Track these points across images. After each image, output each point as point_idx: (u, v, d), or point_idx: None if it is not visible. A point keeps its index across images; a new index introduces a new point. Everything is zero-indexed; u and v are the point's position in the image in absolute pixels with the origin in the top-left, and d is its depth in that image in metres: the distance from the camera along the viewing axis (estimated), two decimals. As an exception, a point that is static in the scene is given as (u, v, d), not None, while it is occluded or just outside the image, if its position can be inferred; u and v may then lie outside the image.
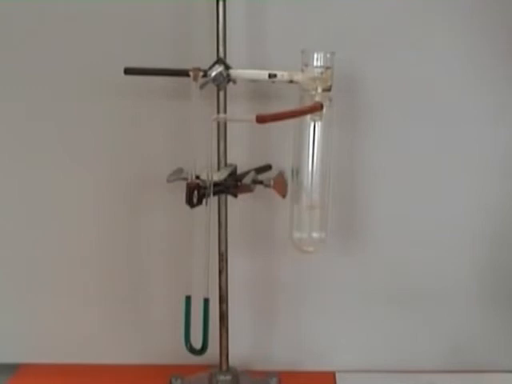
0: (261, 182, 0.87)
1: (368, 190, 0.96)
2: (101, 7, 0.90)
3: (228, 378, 0.94)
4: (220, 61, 0.82)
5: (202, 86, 0.81)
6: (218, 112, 0.86)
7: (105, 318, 1.03)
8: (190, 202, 0.79)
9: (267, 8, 0.90)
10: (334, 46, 0.79)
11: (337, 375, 1.02)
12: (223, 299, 0.92)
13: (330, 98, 0.80)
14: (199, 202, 0.80)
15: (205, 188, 0.80)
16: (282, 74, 0.80)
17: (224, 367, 0.95)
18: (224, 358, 0.94)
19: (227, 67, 0.82)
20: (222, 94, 0.85)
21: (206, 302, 0.84)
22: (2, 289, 1.02)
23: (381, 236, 0.97)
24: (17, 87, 0.94)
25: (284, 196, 0.88)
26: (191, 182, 0.80)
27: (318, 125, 0.80)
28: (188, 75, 0.80)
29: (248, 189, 0.86)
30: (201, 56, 0.85)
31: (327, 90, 0.79)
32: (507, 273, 0.98)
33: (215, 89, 0.84)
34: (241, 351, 1.00)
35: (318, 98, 0.79)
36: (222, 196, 0.88)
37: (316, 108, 0.78)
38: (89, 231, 0.99)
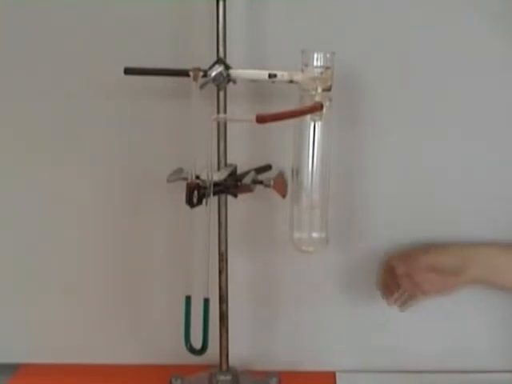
0: (261, 182, 0.87)
1: (368, 189, 0.96)
2: (101, 7, 0.90)
3: (228, 377, 0.94)
4: (220, 61, 0.82)
5: (202, 86, 0.81)
6: (218, 112, 0.86)
7: (105, 318, 1.03)
8: (190, 202, 0.79)
9: (267, 8, 0.90)
10: (334, 46, 0.79)
11: (337, 375, 1.02)
12: (223, 299, 0.92)
13: (330, 97, 0.80)
14: (199, 201, 0.80)
15: (205, 188, 0.80)
16: (282, 74, 0.80)
17: (224, 367, 0.95)
18: (224, 358, 0.94)
19: (227, 67, 0.82)
20: (221, 93, 0.85)
21: (206, 302, 0.84)
22: (2, 289, 1.02)
23: (381, 236, 0.97)
24: (16, 87, 0.94)
25: (284, 196, 0.88)
26: (191, 182, 0.80)
27: (318, 125, 0.80)
28: (188, 75, 0.80)
29: (248, 189, 0.86)
30: (201, 56, 0.85)
31: (327, 89, 0.79)
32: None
33: (215, 89, 0.84)
34: (241, 351, 1.00)
35: (318, 98, 0.78)
36: (222, 196, 0.88)
37: (316, 108, 0.78)
38: (88, 231, 0.99)
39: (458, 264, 0.88)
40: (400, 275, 0.90)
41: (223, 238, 0.90)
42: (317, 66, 0.78)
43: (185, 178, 0.82)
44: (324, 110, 0.78)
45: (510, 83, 0.91)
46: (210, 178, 0.80)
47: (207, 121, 0.79)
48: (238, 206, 0.91)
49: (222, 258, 0.90)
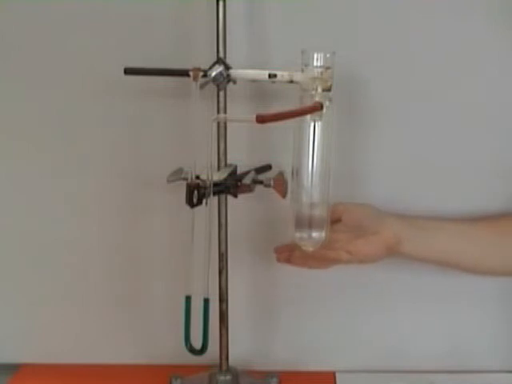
0: (261, 182, 0.87)
1: (368, 190, 0.96)
2: (101, 7, 0.90)
3: (228, 377, 0.94)
4: (220, 61, 0.82)
5: (202, 86, 0.81)
6: (218, 112, 0.86)
7: (105, 318, 1.03)
8: (190, 202, 0.79)
9: (267, 8, 0.90)
10: (334, 46, 0.79)
11: (337, 375, 1.02)
12: (223, 299, 0.92)
13: (330, 97, 0.79)
14: (199, 202, 0.80)
15: (205, 188, 0.80)
16: (282, 74, 0.80)
17: (224, 367, 0.95)
18: (224, 357, 0.94)
19: (227, 67, 0.82)
20: (222, 93, 0.85)
21: (206, 302, 0.84)
22: (2, 289, 1.02)
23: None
24: (16, 87, 0.94)
25: (284, 196, 0.88)
26: (191, 182, 0.80)
27: (318, 125, 0.80)
28: (188, 75, 0.80)
29: (248, 189, 0.86)
30: (201, 56, 0.85)
31: (327, 89, 0.79)
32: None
33: (215, 89, 0.84)
34: (241, 351, 1.00)
35: (318, 98, 0.78)
36: (222, 196, 0.88)
37: (316, 108, 0.77)
38: (88, 232, 0.99)
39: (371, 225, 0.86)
40: None
41: (223, 238, 0.90)
42: (317, 66, 0.78)
43: (185, 178, 0.82)
44: (324, 109, 0.78)
45: (509, 82, 0.91)
46: (210, 178, 0.80)
47: (207, 121, 0.79)
48: (238, 206, 0.91)
49: (222, 258, 0.90)
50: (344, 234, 0.86)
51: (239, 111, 0.90)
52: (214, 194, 0.82)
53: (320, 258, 0.85)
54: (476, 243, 0.89)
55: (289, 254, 0.87)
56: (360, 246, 0.84)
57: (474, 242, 0.89)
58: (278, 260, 0.89)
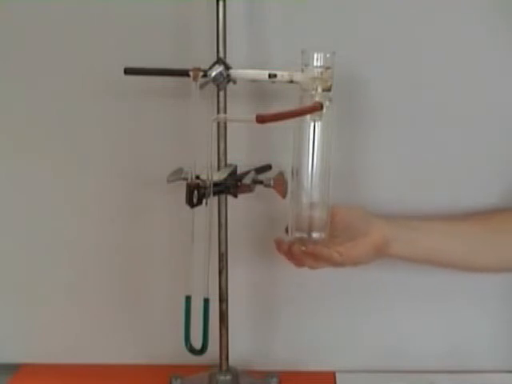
0: (261, 182, 0.87)
1: (368, 190, 0.96)
2: (101, 7, 0.90)
3: (228, 377, 0.94)
4: (220, 61, 0.82)
5: (202, 86, 0.81)
6: (218, 112, 0.86)
7: (105, 318, 1.03)
8: (190, 202, 0.79)
9: (267, 8, 0.90)
10: (334, 46, 0.79)
11: (337, 375, 1.02)
12: (223, 299, 0.92)
13: (330, 97, 0.79)
14: (199, 202, 0.80)
15: (205, 188, 0.80)
16: (282, 74, 0.80)
17: (224, 367, 0.95)
18: (224, 357, 0.94)
19: (227, 67, 0.82)
20: (222, 93, 0.85)
21: (206, 302, 0.84)
22: (2, 289, 1.02)
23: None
24: (16, 87, 0.94)
25: (284, 196, 0.88)
26: (191, 182, 0.80)
27: (318, 125, 0.80)
28: (188, 75, 0.80)
29: (248, 189, 0.86)
30: (201, 56, 0.85)
31: (327, 89, 0.79)
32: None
33: (215, 89, 0.84)
34: (241, 351, 1.00)
35: (318, 98, 0.78)
36: (222, 196, 0.88)
37: (316, 108, 0.77)
38: (88, 231, 0.99)
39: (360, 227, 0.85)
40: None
41: (223, 238, 0.90)
42: (317, 66, 0.78)
43: (185, 178, 0.82)
44: (324, 109, 0.78)
45: (509, 82, 0.91)
46: (210, 178, 0.80)
47: (207, 121, 0.79)
48: (238, 206, 0.91)
49: (222, 258, 0.90)
50: (333, 237, 0.86)
51: (239, 111, 0.90)
52: (214, 194, 0.82)
53: (313, 255, 0.84)
54: (467, 241, 0.88)
55: (288, 247, 0.86)
56: (349, 248, 0.83)
57: (465, 239, 0.88)
58: (279, 250, 0.87)
